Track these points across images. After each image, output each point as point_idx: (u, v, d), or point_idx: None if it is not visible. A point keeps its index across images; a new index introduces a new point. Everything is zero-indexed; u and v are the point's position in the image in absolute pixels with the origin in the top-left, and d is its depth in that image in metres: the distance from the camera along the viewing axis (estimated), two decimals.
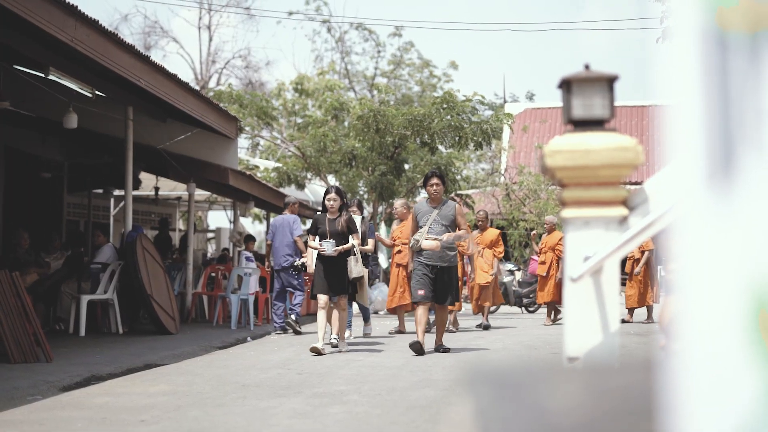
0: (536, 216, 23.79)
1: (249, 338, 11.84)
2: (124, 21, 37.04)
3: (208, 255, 22.70)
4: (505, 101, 34.06)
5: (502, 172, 27.74)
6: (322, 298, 9.88)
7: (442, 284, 9.70)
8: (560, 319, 14.48)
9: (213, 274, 15.72)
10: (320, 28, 36.21)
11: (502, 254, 14.36)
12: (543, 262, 14.82)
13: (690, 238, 1.13)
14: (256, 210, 25.73)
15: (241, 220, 24.22)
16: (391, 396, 6.49)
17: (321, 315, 9.90)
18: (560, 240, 14.38)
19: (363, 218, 11.81)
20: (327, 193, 10.19)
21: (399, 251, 12.83)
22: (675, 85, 1.16)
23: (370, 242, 11.94)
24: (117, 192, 20.84)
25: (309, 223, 16.01)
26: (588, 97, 3.99)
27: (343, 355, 9.49)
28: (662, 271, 15.71)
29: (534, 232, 16.03)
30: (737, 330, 1.09)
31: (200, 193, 20.81)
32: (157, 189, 21.05)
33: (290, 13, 35.20)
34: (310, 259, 11.10)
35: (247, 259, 14.70)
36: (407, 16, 66.06)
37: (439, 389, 6.79)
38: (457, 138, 17.65)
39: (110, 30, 10.23)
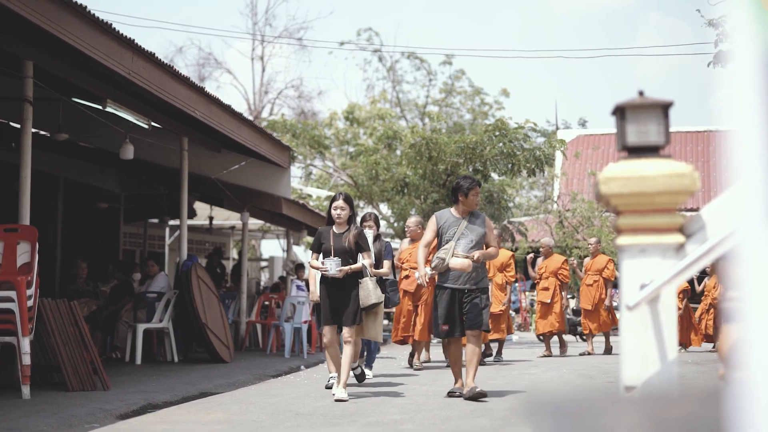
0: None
1: (302, 366, 11.86)
2: (179, 53, 37.61)
3: (262, 284, 22.83)
4: (557, 128, 33.96)
5: (555, 199, 27.57)
6: (329, 331, 8.24)
7: (471, 308, 8.04)
8: (565, 350, 13.97)
9: (266, 303, 15.80)
10: (371, 58, 36.44)
11: (514, 278, 13.27)
12: (545, 288, 13.81)
13: (750, 265, 1.12)
14: (309, 239, 25.86)
15: (294, 248, 24.36)
16: (445, 425, 6.45)
17: (331, 353, 8.43)
18: (563, 264, 13.87)
19: (379, 236, 9.99)
20: (333, 200, 8.39)
21: (407, 276, 11.50)
22: (734, 110, 1.15)
23: (386, 264, 9.85)
24: (172, 222, 21.13)
25: None
26: (643, 124, 3.96)
27: (396, 384, 9.44)
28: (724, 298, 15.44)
29: (530, 255, 14.59)
30: None
31: (254, 222, 20.99)
32: (211, 218, 21.27)
33: (342, 44, 35.46)
34: (312, 283, 9.17)
35: (298, 287, 14.76)
36: (458, 44, 66.18)
37: (494, 418, 6.73)
38: (509, 165, 17.60)
39: (166, 62, 10.40)
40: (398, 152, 20.56)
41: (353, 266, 8.15)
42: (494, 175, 19.04)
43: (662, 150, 3.98)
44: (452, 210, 8.28)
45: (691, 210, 18.70)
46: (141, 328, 11.85)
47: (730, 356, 3.49)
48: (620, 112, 4.00)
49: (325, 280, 8.18)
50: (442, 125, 25.06)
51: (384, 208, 21.40)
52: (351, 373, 8.98)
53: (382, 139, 20.51)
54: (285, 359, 12.88)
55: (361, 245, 8.23)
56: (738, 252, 1.12)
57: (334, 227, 8.29)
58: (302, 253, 31.92)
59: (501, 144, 17.53)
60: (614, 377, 9.28)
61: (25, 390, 7.81)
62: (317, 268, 8.25)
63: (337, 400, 7.80)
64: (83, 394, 8.20)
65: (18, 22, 7.64)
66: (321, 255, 8.26)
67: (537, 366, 11.86)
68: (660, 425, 1.34)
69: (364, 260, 8.25)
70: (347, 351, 8.09)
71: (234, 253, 26.86)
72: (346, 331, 8.12)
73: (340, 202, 8.25)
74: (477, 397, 7.74)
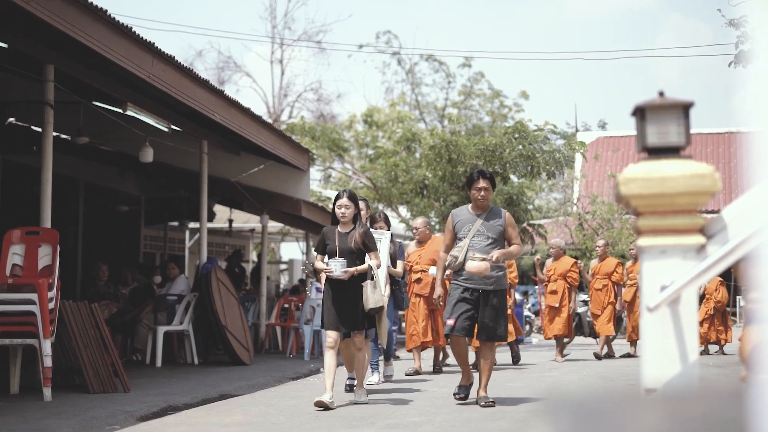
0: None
1: (322, 369, 11.85)
2: (198, 57, 37.77)
3: (281, 286, 22.88)
4: (576, 130, 33.83)
5: (575, 201, 27.48)
6: (332, 336, 7.72)
7: (487, 313, 7.56)
8: (567, 354, 13.70)
9: (286, 306, 15.82)
10: (390, 60, 36.45)
11: (517, 279, 12.83)
12: (554, 291, 13.30)
13: None
14: None
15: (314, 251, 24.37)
16: (465, 427, 6.43)
17: (329, 357, 7.72)
18: (572, 266, 13.43)
19: (391, 236, 9.64)
20: (337, 198, 7.89)
21: (419, 279, 10.99)
22: (756, 111, 1.14)
23: (400, 265, 9.71)
24: (192, 224, 21.20)
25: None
26: (663, 125, 3.94)
27: (415, 386, 9.42)
28: (741, 300, 15.35)
29: (537, 257, 14.00)
30: None
31: (273, 225, 21.05)
32: (231, 221, 21.34)
33: (360, 46, 35.59)
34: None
35: (317, 290, 14.76)
36: (477, 46, 66.13)
37: (514, 420, 6.71)
38: (529, 167, 17.56)
39: (185, 66, 10.44)
40: (417, 154, 20.56)
41: (359, 267, 7.66)
42: (513, 178, 19.00)
43: (683, 151, 3.96)
44: (469, 207, 7.83)
45: (712, 212, 18.57)
46: (161, 330, 11.89)
47: (752, 358, 3.46)
48: (640, 112, 3.98)
49: (329, 282, 7.74)
50: (462, 127, 25.01)
51: (403, 210, 21.39)
52: (350, 376, 8.84)
53: (401, 142, 20.51)
54: (304, 362, 12.89)
55: (368, 245, 7.74)
56: (760, 253, 1.11)
57: (339, 227, 7.81)
58: None
59: (520, 146, 17.49)
60: (635, 380, 9.23)
61: (47, 392, 7.86)
62: (321, 270, 7.77)
63: (348, 389, 7.87)
64: (104, 396, 8.24)
65: (39, 26, 7.69)
66: (327, 256, 7.81)
67: (557, 369, 11.81)
68: (681, 423, 1.33)
69: (371, 261, 7.74)
70: (360, 357, 7.89)
71: (253, 256, 26.94)
72: (357, 338, 7.81)
73: (344, 200, 7.76)
74: (485, 403, 7.45)
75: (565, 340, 13.95)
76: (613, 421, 1.30)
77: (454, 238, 7.75)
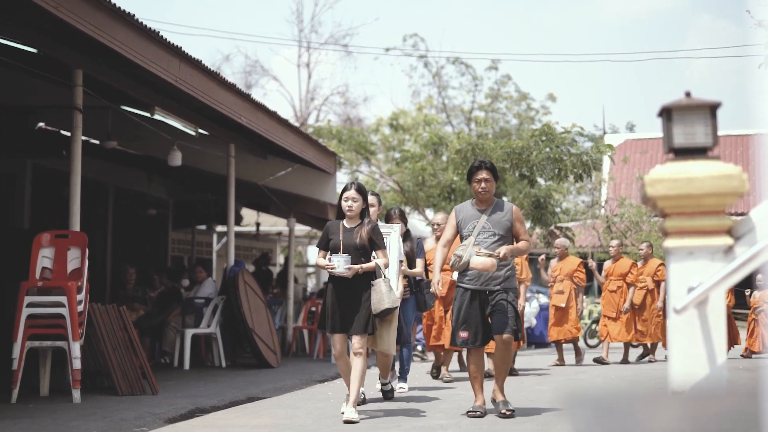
0: (638, 249, 23.33)
1: None
2: (225, 61, 37.95)
3: (308, 289, 22.94)
4: (604, 132, 33.68)
5: (603, 204, 27.33)
6: (339, 340, 7.11)
7: (497, 313, 7.01)
8: (581, 359, 13.06)
9: (313, 309, 15.85)
10: (417, 63, 36.35)
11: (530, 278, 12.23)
12: (560, 292, 12.88)
13: None
14: None
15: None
16: (491, 429, 6.42)
17: (342, 365, 7.17)
18: (579, 266, 13.02)
19: (408, 232, 9.11)
20: (344, 190, 7.24)
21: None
22: None
23: (419, 263, 9.04)
24: (219, 228, 21.30)
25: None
26: (689, 125, 3.91)
27: (443, 389, 9.40)
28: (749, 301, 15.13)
29: (542, 257, 13.15)
30: None
31: (300, 228, 21.11)
32: (258, 224, 21.41)
33: (387, 50, 35.51)
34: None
35: None
36: (504, 49, 65.98)
37: (539, 423, 6.68)
38: (556, 170, 17.47)
39: (212, 69, 10.50)
40: (444, 158, 20.53)
41: (365, 265, 7.02)
42: (541, 181, 18.92)
43: (710, 151, 3.93)
44: (472, 202, 7.29)
45: (739, 214, 18.43)
46: (189, 333, 11.95)
47: None
48: (666, 113, 3.96)
49: (332, 280, 7.09)
50: (489, 130, 24.98)
51: (430, 214, 21.34)
52: (379, 388, 8.43)
53: (428, 145, 20.49)
54: (331, 364, 12.90)
55: (375, 242, 7.11)
56: None
57: (344, 221, 7.18)
58: None
59: (547, 149, 17.40)
60: (663, 383, 9.17)
61: (76, 394, 7.92)
62: (323, 267, 7.10)
63: (345, 422, 6.71)
64: (132, 399, 8.30)
65: (68, 31, 7.76)
66: (329, 253, 7.15)
67: (585, 372, 11.76)
68: (702, 420, 1.33)
69: (378, 259, 7.11)
70: (357, 364, 7.01)
71: (281, 259, 27.03)
72: (356, 341, 7.03)
73: (351, 192, 7.13)
74: (507, 416, 6.92)
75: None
76: (629, 419, 1.30)
77: (456, 234, 7.25)
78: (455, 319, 7.13)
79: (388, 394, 8.37)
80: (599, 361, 13.07)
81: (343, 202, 7.14)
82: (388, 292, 6.99)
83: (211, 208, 18.23)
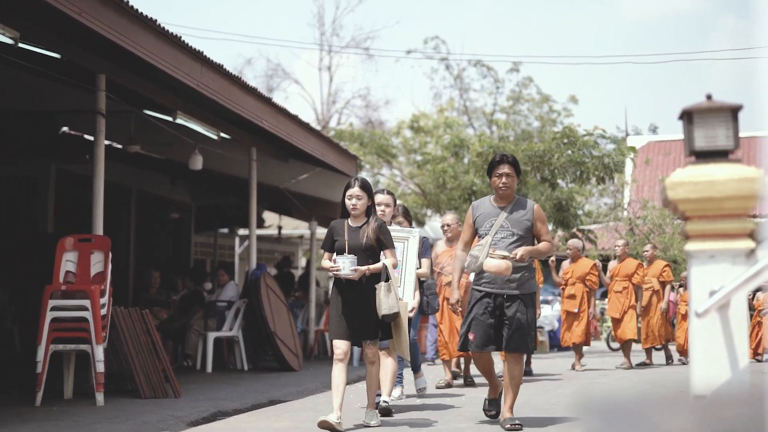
0: (662, 251, 23.21)
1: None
2: (247, 65, 38.23)
3: (330, 293, 22.96)
4: (627, 134, 33.55)
5: (625, 206, 27.21)
6: (340, 347, 6.62)
7: (512, 322, 6.58)
8: (584, 365, 12.72)
9: None
10: (438, 66, 36.39)
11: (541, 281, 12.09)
12: (572, 296, 12.52)
13: None
14: None
15: None
16: None
17: (337, 371, 6.60)
18: (592, 268, 12.62)
19: (413, 230, 8.27)
20: (348, 187, 6.75)
21: (450, 282, 8.77)
22: None
23: (425, 263, 8.32)
24: (241, 231, 21.37)
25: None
26: (710, 128, 3.90)
27: (463, 392, 9.38)
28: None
29: (552, 259, 12.58)
30: None
31: (322, 231, 21.09)
32: (280, 228, 21.46)
33: (408, 52, 35.51)
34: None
35: None
36: (525, 51, 65.85)
37: (560, 428, 6.66)
38: (578, 173, 17.41)
39: (234, 74, 10.54)
40: (465, 160, 20.52)
41: (372, 266, 6.59)
42: (562, 183, 18.86)
43: (731, 154, 3.91)
44: (491, 198, 6.82)
45: (761, 217, 18.25)
46: (211, 336, 12.00)
47: None
48: (687, 116, 3.95)
49: (338, 284, 6.70)
50: (510, 133, 24.94)
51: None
52: (383, 399, 7.53)
53: (449, 148, 20.49)
54: (352, 367, 12.90)
55: (382, 241, 6.67)
56: None
57: (349, 220, 6.76)
58: None
59: (569, 151, 17.35)
60: (686, 387, 9.10)
61: (99, 397, 7.97)
62: (328, 269, 6.71)
63: (382, 412, 6.83)
64: (155, 402, 8.34)
65: (91, 37, 7.82)
66: (335, 254, 6.71)
67: (607, 375, 11.71)
68: (715, 423, 1.33)
69: (386, 260, 6.65)
70: (372, 372, 6.79)
71: (302, 262, 27.08)
72: (368, 350, 6.71)
73: (355, 189, 6.66)
74: (512, 426, 6.47)
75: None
76: (641, 424, 1.30)
77: (474, 234, 6.82)
78: (466, 322, 6.76)
79: (385, 412, 7.37)
80: (640, 364, 13.04)
81: (347, 200, 6.71)
82: (386, 296, 6.48)
83: (233, 211, 18.30)
